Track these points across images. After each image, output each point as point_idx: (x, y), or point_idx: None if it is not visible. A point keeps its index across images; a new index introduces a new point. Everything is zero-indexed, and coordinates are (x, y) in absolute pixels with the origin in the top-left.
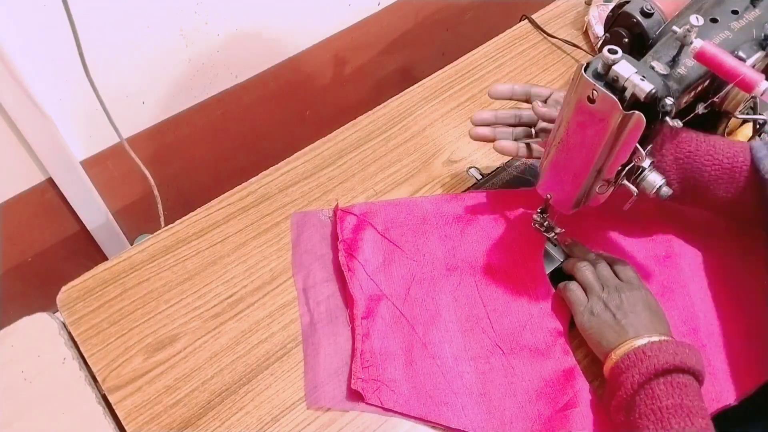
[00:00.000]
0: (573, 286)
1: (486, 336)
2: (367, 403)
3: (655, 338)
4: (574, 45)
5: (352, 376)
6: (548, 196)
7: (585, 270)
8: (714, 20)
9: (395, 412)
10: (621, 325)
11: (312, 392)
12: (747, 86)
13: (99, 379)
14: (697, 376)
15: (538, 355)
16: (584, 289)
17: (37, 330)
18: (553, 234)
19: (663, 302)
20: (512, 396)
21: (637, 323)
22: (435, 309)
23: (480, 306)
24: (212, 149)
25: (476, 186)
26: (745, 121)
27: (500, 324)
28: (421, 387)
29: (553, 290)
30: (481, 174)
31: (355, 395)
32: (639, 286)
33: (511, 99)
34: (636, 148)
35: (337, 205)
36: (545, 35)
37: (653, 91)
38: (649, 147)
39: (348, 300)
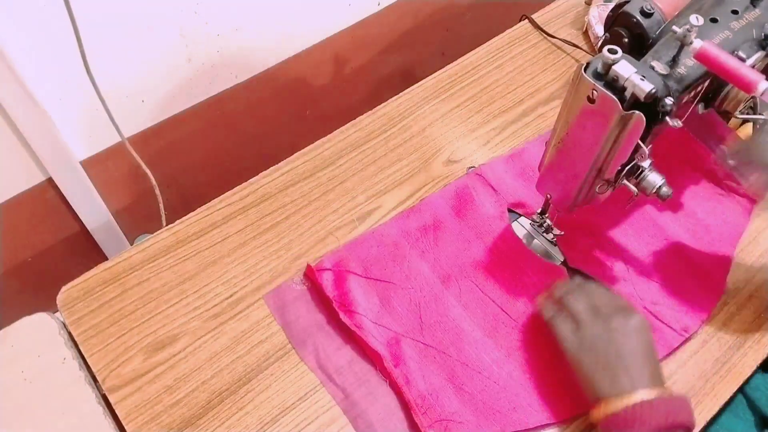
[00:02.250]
0: (559, 318)
1: (509, 328)
2: None
3: (647, 396)
4: (574, 45)
5: (422, 429)
6: (548, 195)
7: (574, 299)
8: (714, 20)
9: None
10: (615, 371)
11: None
12: (747, 86)
13: (99, 379)
14: (688, 429)
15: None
16: (574, 318)
17: (37, 330)
18: (551, 235)
19: None
20: (559, 369)
21: (631, 370)
22: (454, 326)
23: (489, 302)
24: (212, 149)
25: None
26: (745, 121)
27: (514, 309)
28: (483, 405)
29: (534, 256)
30: None
31: None
32: (634, 315)
33: None
34: (639, 145)
35: (308, 267)
36: (545, 35)
37: (653, 91)
38: (649, 147)
39: (371, 356)
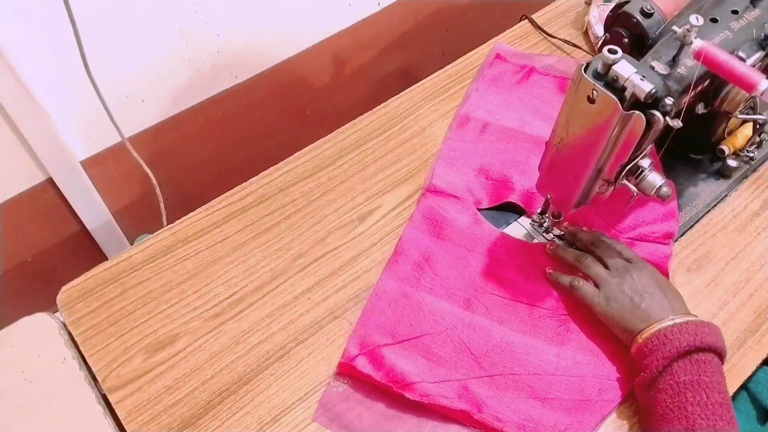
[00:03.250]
0: (579, 282)
1: (548, 319)
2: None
3: (678, 320)
4: (574, 45)
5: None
6: (548, 195)
7: (588, 261)
8: (714, 20)
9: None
10: (642, 310)
11: None
12: (747, 86)
13: (99, 379)
14: (719, 353)
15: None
16: (593, 280)
17: (37, 330)
18: (551, 235)
19: None
20: (606, 332)
21: (655, 304)
22: (504, 344)
23: (517, 305)
24: (212, 149)
25: None
26: (745, 121)
27: (541, 299)
28: (574, 403)
29: (527, 244)
30: None
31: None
32: (643, 263)
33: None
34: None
35: (340, 364)
36: (545, 35)
37: (653, 91)
38: (649, 147)
39: (456, 417)
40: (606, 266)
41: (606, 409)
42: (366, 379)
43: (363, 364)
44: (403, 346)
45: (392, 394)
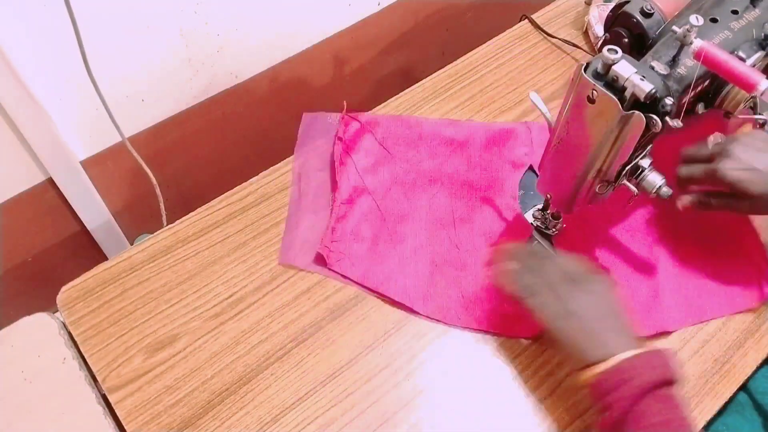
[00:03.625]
0: (535, 289)
1: (448, 239)
2: (329, 269)
3: (637, 351)
4: (574, 45)
5: (321, 244)
6: (548, 195)
7: (545, 266)
8: (714, 20)
9: (351, 280)
10: (600, 334)
11: (285, 250)
12: (747, 86)
13: (99, 379)
14: (676, 383)
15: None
16: (549, 289)
17: (37, 330)
18: (552, 231)
19: None
20: (456, 286)
21: (616, 330)
22: (408, 209)
23: (449, 214)
24: (212, 149)
25: None
26: (745, 121)
27: (463, 228)
28: (378, 265)
29: (516, 208)
30: None
31: (320, 261)
32: (597, 276)
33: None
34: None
35: (344, 109)
36: (545, 35)
37: (653, 91)
38: (649, 147)
39: (335, 187)
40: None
41: (381, 289)
42: (341, 134)
43: (351, 128)
44: (377, 147)
45: (335, 152)
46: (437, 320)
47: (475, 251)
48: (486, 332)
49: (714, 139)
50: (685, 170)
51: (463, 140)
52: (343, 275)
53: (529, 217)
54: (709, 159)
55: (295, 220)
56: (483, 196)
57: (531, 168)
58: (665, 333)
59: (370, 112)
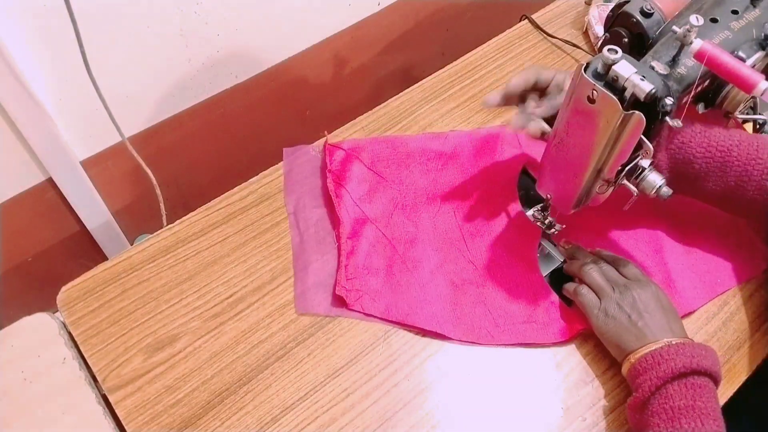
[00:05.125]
0: (584, 290)
1: (460, 255)
2: (349, 309)
3: (673, 340)
4: (574, 45)
5: (337, 284)
6: (548, 195)
7: (593, 272)
8: (714, 20)
9: (374, 317)
10: (638, 328)
11: (300, 298)
12: (747, 86)
13: (99, 379)
14: (714, 377)
15: (507, 269)
16: (595, 292)
17: (37, 330)
18: (552, 231)
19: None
20: (482, 304)
21: (653, 324)
22: (415, 231)
23: (456, 229)
24: (212, 149)
25: None
26: (745, 121)
27: (474, 243)
28: (399, 296)
29: (521, 211)
30: None
31: (339, 302)
32: (647, 282)
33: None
34: (641, 141)
35: (326, 140)
36: (545, 35)
37: (653, 91)
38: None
39: (335, 223)
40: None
41: (408, 319)
42: (329, 165)
43: (337, 156)
44: (368, 173)
45: (324, 173)
46: (471, 342)
47: (491, 265)
48: (520, 346)
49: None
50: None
51: (451, 152)
52: (365, 313)
53: (529, 217)
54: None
55: (303, 265)
56: (485, 206)
57: (524, 169)
58: (690, 313)
59: (368, 113)
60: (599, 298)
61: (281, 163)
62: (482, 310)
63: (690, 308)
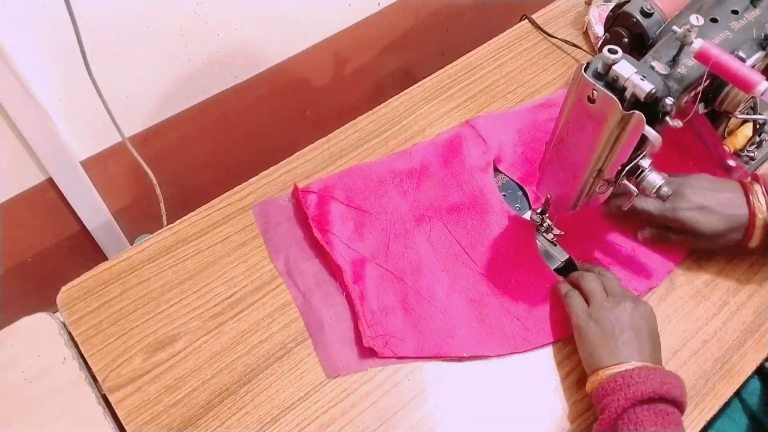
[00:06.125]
0: (574, 293)
1: (468, 268)
2: (381, 358)
3: (646, 364)
4: (574, 45)
5: (363, 336)
6: (548, 195)
7: (591, 278)
8: (714, 20)
9: (409, 357)
10: (617, 343)
11: (329, 364)
12: (747, 86)
13: (99, 379)
14: (680, 407)
15: (517, 271)
16: (587, 297)
17: (37, 330)
18: (552, 235)
19: None
20: (507, 313)
21: (632, 344)
22: (416, 258)
23: (455, 244)
24: (212, 149)
25: None
26: (745, 121)
27: (476, 252)
28: (425, 330)
29: (509, 210)
30: None
31: (368, 353)
32: (642, 302)
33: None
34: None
35: (295, 187)
36: (545, 35)
37: (653, 91)
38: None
39: (335, 271)
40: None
41: (444, 352)
42: (304, 210)
43: (310, 200)
44: (348, 209)
45: (311, 231)
46: (511, 353)
47: (501, 270)
48: (553, 343)
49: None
50: (640, 204)
51: (420, 167)
52: (398, 357)
53: (519, 215)
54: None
55: (316, 325)
56: (473, 213)
57: (495, 167)
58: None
59: (368, 113)
60: (589, 303)
61: (281, 162)
62: (509, 319)
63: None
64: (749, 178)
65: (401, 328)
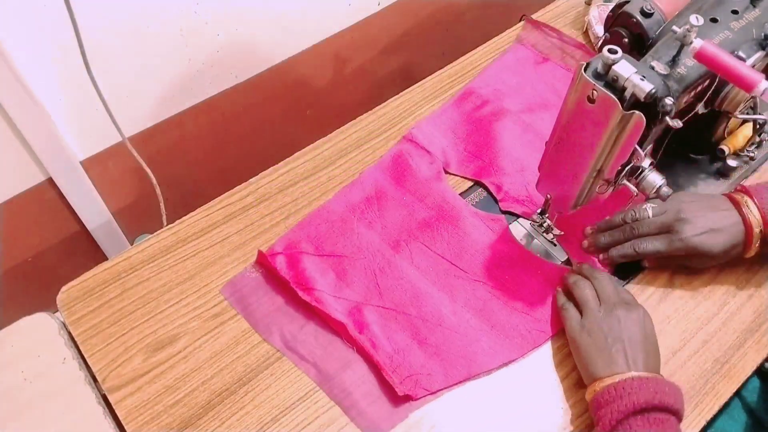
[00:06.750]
0: (569, 305)
1: (461, 279)
2: (416, 399)
3: (641, 374)
4: None
5: (393, 386)
6: (548, 195)
7: (583, 286)
8: (714, 20)
9: (444, 389)
10: (611, 354)
11: (370, 428)
12: (747, 86)
13: (99, 379)
14: (676, 415)
15: (511, 267)
16: (581, 307)
17: (37, 330)
18: (551, 235)
19: None
20: (516, 312)
21: (627, 353)
22: (410, 286)
23: (440, 260)
24: (212, 149)
25: None
26: (745, 121)
27: (465, 261)
28: (447, 355)
29: (476, 210)
30: None
31: (402, 400)
32: (636, 305)
33: None
34: (635, 149)
35: (260, 253)
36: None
37: (653, 90)
38: (649, 147)
39: (336, 328)
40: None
41: (473, 371)
42: (276, 274)
43: (279, 262)
44: (322, 259)
45: (292, 292)
46: (533, 349)
47: (495, 272)
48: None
49: (647, 207)
50: (648, 246)
51: (375, 192)
52: (433, 392)
53: (525, 225)
54: (662, 230)
55: (341, 394)
56: (446, 223)
57: (447, 172)
58: None
59: (368, 113)
60: (582, 313)
61: (281, 162)
62: (519, 317)
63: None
64: (737, 191)
65: (424, 363)
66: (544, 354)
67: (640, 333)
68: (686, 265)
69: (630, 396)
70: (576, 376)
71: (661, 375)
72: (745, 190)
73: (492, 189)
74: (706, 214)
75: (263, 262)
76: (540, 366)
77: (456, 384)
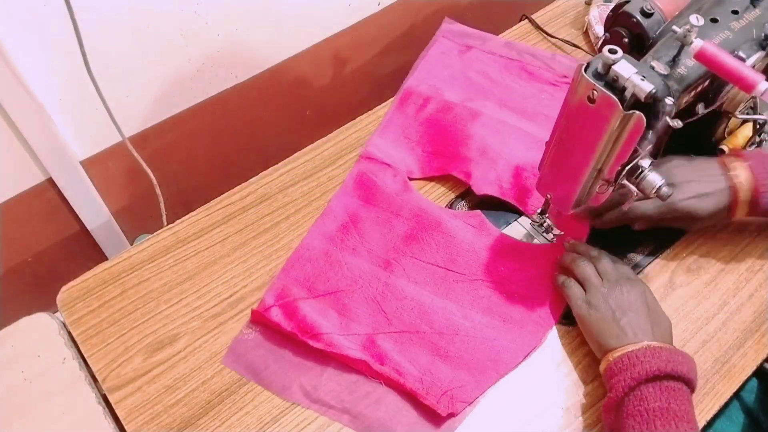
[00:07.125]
0: (570, 282)
1: (461, 282)
2: (457, 414)
3: (652, 344)
4: (574, 45)
5: (435, 409)
6: (548, 195)
7: (583, 264)
8: (714, 20)
9: (478, 396)
10: (620, 326)
11: None
12: (747, 86)
13: (99, 379)
14: (689, 383)
15: (508, 260)
16: (582, 284)
17: (37, 330)
18: (551, 235)
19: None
20: (521, 299)
21: (635, 325)
22: (415, 304)
23: (435, 268)
24: (212, 149)
25: None
26: (745, 121)
27: (459, 264)
28: (472, 362)
29: (453, 211)
30: None
31: (445, 419)
32: (637, 280)
33: None
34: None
35: (253, 312)
36: (545, 35)
37: (653, 91)
38: (649, 147)
39: (356, 366)
40: (600, 275)
41: (502, 371)
42: (277, 328)
43: (276, 314)
44: (318, 300)
45: (300, 343)
46: (549, 330)
47: (489, 266)
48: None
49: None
50: (638, 209)
51: (348, 219)
52: (470, 402)
53: (524, 225)
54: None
55: (381, 430)
56: (429, 231)
57: (412, 179)
58: None
59: (368, 113)
60: (585, 290)
61: (281, 163)
62: (527, 304)
63: None
64: (729, 155)
65: (453, 377)
66: (545, 354)
67: (646, 305)
68: (674, 226)
69: (642, 364)
70: (576, 375)
71: (672, 345)
72: (739, 154)
73: (461, 177)
74: (694, 178)
75: (260, 320)
76: (540, 366)
77: (489, 387)
